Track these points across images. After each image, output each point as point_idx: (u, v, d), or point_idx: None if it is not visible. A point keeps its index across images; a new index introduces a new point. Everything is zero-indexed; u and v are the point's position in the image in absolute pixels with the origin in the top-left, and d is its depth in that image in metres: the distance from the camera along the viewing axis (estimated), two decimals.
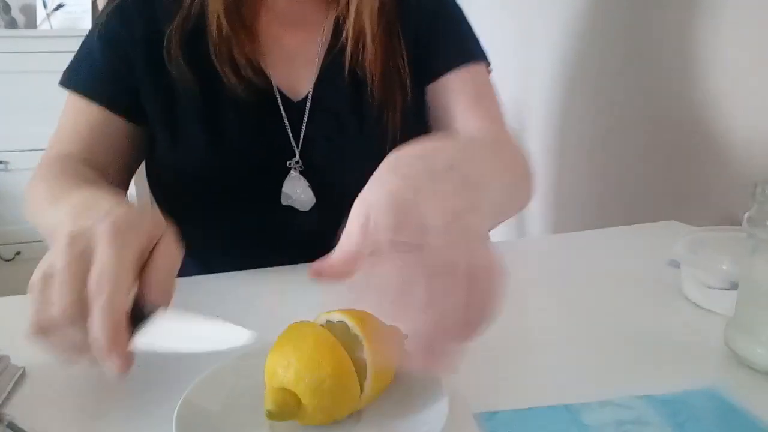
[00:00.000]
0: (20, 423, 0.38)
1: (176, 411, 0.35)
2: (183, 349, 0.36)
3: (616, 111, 1.07)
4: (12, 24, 2.14)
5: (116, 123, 0.67)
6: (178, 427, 0.34)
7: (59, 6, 2.11)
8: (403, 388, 0.39)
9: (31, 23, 2.18)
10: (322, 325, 0.37)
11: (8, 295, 0.63)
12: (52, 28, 2.11)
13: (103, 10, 0.68)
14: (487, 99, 0.72)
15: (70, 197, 0.45)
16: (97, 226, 0.37)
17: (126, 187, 0.72)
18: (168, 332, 0.37)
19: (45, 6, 2.12)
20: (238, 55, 0.65)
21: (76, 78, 0.67)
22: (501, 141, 0.67)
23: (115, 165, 0.68)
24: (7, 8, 2.12)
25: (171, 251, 0.40)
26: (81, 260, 0.36)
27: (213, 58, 0.65)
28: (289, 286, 0.62)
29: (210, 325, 0.37)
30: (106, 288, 0.35)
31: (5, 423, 0.38)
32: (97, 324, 0.35)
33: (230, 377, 0.38)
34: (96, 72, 0.67)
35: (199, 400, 0.37)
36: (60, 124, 0.67)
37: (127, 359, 0.36)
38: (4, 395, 0.42)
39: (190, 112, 0.66)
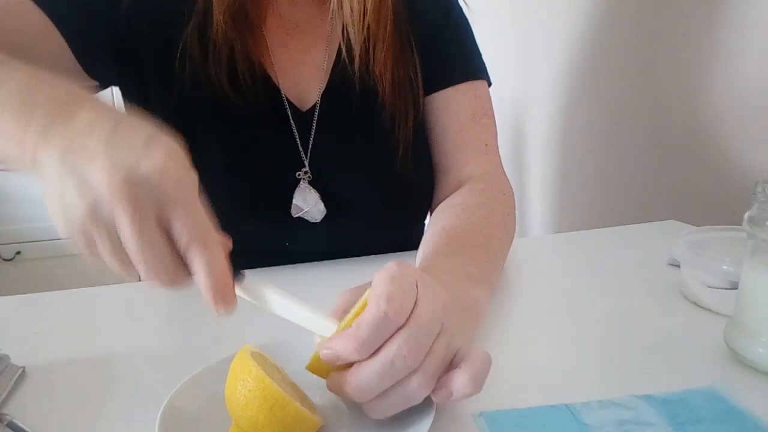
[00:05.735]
0: (20, 423, 0.38)
1: (159, 414, 0.35)
2: (279, 311, 0.37)
3: (617, 111, 1.07)
4: None
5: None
6: (161, 429, 0.34)
7: None
8: None
9: None
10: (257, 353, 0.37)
11: (8, 294, 0.63)
12: None
13: None
14: (483, 120, 0.71)
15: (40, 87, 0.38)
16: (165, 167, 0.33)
17: None
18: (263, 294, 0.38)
19: None
20: (240, 60, 0.63)
21: None
22: (486, 212, 0.63)
23: None
24: None
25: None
26: (147, 208, 0.32)
27: (209, 62, 0.62)
28: (289, 287, 0.62)
29: (297, 306, 0.38)
30: (210, 241, 0.35)
31: (5, 423, 0.38)
32: (207, 276, 0.34)
33: (213, 381, 0.38)
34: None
35: (183, 403, 0.37)
36: None
37: (233, 302, 0.36)
38: (4, 395, 0.42)
39: (202, 120, 0.64)
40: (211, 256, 0.34)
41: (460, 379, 0.34)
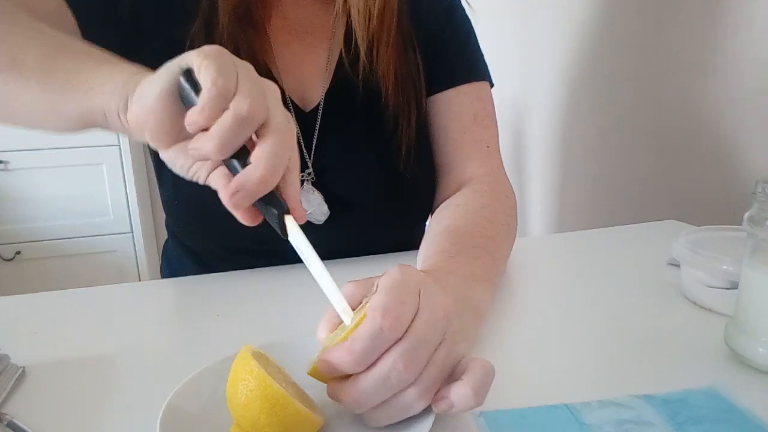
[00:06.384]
0: (20, 423, 0.38)
1: (160, 414, 0.35)
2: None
3: (617, 111, 1.07)
4: None
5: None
6: (162, 429, 0.34)
7: None
8: None
9: None
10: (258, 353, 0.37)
11: (8, 294, 0.63)
12: None
13: None
14: (485, 121, 0.71)
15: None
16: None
17: None
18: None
19: None
20: (245, 59, 0.63)
21: None
22: (489, 213, 0.63)
23: None
24: None
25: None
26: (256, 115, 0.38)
27: None
28: (289, 286, 0.62)
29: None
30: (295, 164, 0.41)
31: (5, 423, 0.38)
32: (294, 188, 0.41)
33: (214, 381, 0.38)
34: None
35: (183, 403, 0.37)
36: None
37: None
38: (4, 395, 0.42)
39: None
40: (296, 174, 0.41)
41: (461, 392, 0.33)
